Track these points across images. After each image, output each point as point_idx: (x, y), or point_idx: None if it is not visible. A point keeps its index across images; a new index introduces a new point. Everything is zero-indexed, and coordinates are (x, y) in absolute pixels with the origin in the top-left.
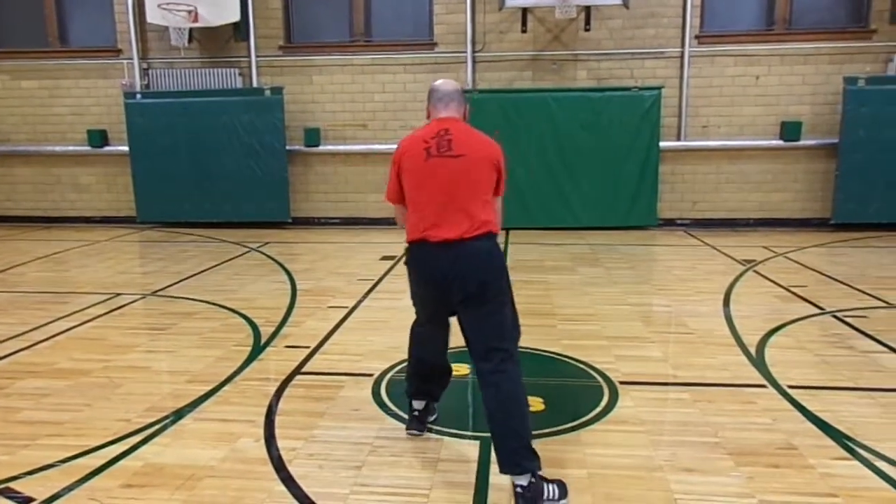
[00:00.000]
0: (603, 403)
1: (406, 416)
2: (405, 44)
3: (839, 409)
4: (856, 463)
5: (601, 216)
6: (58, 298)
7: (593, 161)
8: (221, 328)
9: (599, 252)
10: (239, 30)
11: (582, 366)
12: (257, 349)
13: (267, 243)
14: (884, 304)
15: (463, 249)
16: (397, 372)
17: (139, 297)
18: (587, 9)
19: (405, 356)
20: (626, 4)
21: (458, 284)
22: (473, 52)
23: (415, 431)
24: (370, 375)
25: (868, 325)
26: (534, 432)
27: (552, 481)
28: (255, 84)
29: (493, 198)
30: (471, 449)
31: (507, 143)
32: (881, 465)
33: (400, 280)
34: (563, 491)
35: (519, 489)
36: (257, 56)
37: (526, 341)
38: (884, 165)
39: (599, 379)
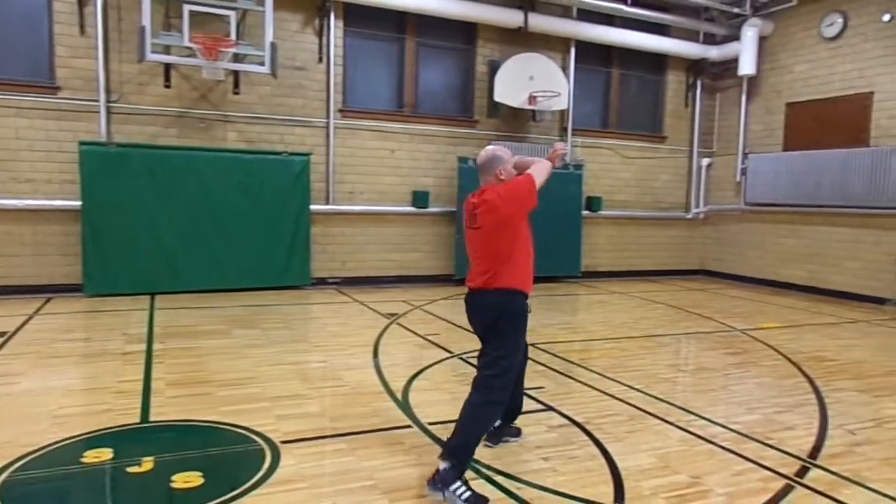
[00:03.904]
0: (266, 466)
1: None
2: (17, 84)
3: None
4: (482, 481)
5: (256, 277)
6: None
7: (247, 222)
8: None
9: (255, 313)
10: None
11: (242, 431)
12: None
13: None
14: None
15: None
16: (15, 472)
17: None
18: (236, 73)
19: (25, 450)
20: (273, 74)
21: None
22: (108, 101)
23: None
24: None
25: None
26: None
27: (471, 491)
28: None
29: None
30: None
31: (154, 202)
32: (499, 480)
33: (16, 360)
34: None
35: (438, 469)
36: None
37: (180, 413)
38: None
39: (261, 442)
